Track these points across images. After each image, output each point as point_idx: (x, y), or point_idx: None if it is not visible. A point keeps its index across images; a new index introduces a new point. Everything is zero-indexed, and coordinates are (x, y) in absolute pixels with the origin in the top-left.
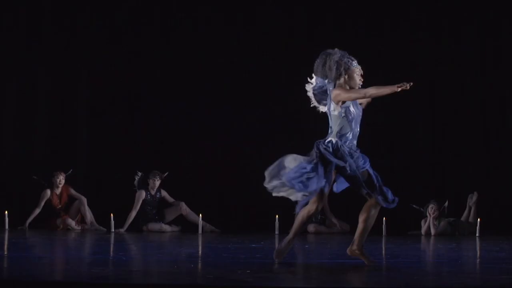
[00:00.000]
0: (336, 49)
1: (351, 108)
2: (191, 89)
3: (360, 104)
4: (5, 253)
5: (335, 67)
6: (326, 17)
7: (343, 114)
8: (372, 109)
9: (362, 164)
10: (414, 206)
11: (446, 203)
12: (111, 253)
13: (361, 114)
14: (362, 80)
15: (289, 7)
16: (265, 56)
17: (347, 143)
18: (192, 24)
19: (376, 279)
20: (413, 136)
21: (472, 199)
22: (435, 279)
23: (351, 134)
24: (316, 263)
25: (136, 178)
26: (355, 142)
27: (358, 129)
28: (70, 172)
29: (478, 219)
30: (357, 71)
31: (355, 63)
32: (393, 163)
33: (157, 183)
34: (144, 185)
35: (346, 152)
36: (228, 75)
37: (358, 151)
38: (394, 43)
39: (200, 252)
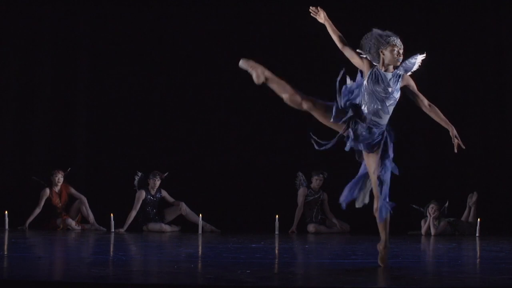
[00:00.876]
0: (373, 30)
1: (364, 82)
2: (192, 89)
3: (407, 86)
4: (5, 253)
5: (372, 50)
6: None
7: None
8: None
9: (366, 136)
10: (414, 206)
11: (447, 203)
12: (111, 253)
13: (382, 95)
14: (401, 56)
15: (289, 9)
16: (265, 57)
17: (362, 115)
18: (192, 23)
19: (376, 279)
20: (413, 136)
21: (472, 199)
22: (435, 279)
23: (365, 108)
24: (316, 263)
25: (136, 178)
26: (375, 118)
27: (379, 107)
28: (68, 170)
29: (478, 219)
30: (389, 48)
31: (392, 38)
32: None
33: (157, 183)
34: (144, 185)
35: (358, 109)
36: (229, 75)
37: (380, 130)
38: None
39: (200, 252)
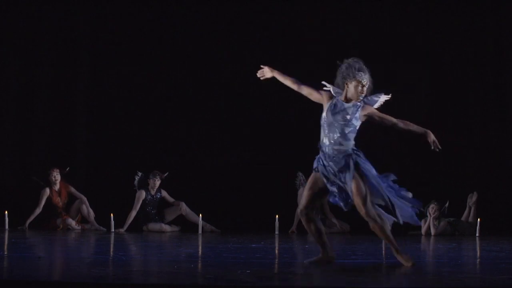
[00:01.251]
0: (351, 59)
1: (323, 114)
2: (192, 89)
3: (370, 114)
4: (5, 253)
5: (338, 78)
6: (324, 20)
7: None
8: None
9: (333, 175)
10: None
11: (447, 204)
12: (111, 253)
13: (341, 123)
14: (364, 93)
15: (289, 9)
16: (265, 58)
17: (325, 149)
18: (192, 23)
19: (376, 279)
20: (413, 136)
21: (472, 199)
22: (435, 279)
23: (326, 140)
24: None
25: (136, 178)
26: (337, 147)
27: (339, 135)
28: (67, 170)
29: (478, 219)
30: (354, 82)
31: (360, 74)
32: (393, 163)
33: (157, 183)
34: (144, 185)
35: (321, 156)
36: (229, 75)
37: (338, 157)
38: (393, 41)
39: (200, 252)
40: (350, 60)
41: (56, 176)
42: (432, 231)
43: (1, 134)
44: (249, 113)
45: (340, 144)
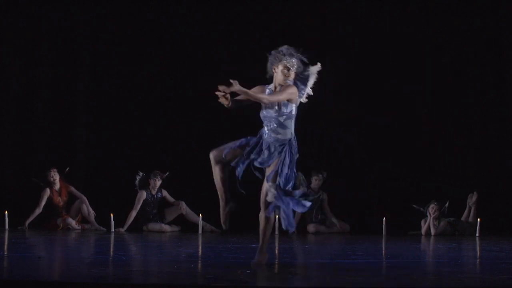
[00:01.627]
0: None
1: (262, 106)
2: (192, 89)
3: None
4: (5, 253)
5: (268, 64)
6: (323, 20)
7: None
8: (373, 109)
9: (256, 157)
10: (414, 206)
11: (447, 203)
12: (111, 253)
13: (274, 115)
14: (290, 77)
15: (289, 9)
16: (266, 58)
17: (265, 136)
18: (192, 23)
19: (376, 279)
20: (413, 136)
21: (472, 199)
22: (435, 279)
23: (266, 129)
24: (316, 263)
25: (138, 178)
26: (275, 136)
27: (275, 125)
28: (67, 170)
29: (478, 219)
30: (281, 66)
31: (286, 58)
32: (393, 163)
33: (158, 183)
34: (145, 185)
35: (260, 139)
36: (228, 75)
37: (274, 146)
38: (393, 41)
39: (200, 252)
40: (280, 48)
41: (54, 176)
42: (432, 231)
43: (1, 134)
44: (249, 113)
45: (278, 133)
